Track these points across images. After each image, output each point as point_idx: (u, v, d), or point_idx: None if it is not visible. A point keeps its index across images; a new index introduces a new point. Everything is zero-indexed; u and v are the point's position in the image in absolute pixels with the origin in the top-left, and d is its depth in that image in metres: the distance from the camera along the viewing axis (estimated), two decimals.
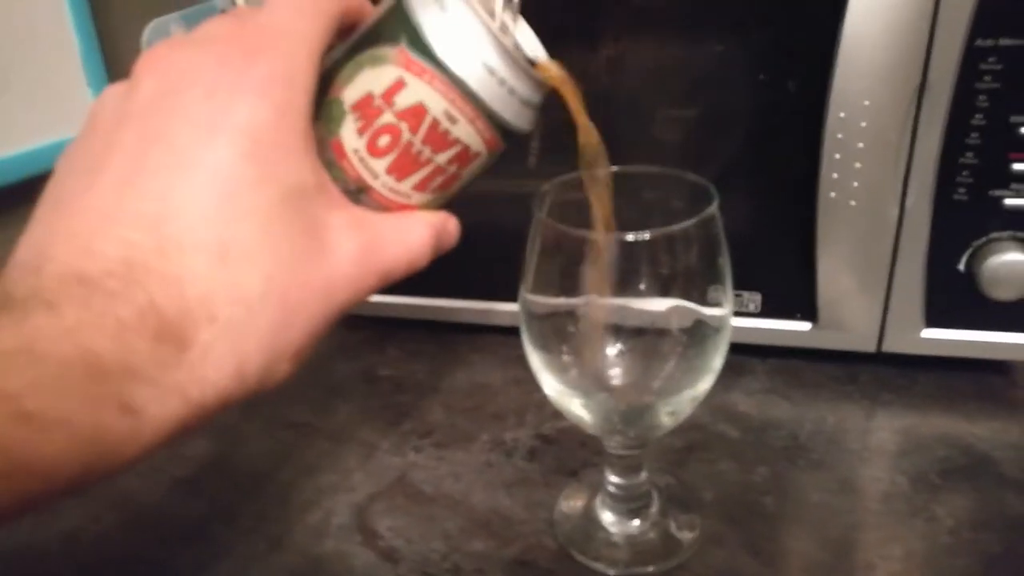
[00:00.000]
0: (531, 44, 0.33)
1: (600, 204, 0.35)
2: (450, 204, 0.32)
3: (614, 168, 0.38)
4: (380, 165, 0.28)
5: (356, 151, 0.28)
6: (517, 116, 0.29)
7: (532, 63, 0.29)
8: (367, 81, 0.28)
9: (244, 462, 0.49)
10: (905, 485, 0.43)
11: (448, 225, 0.32)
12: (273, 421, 0.52)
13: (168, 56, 0.26)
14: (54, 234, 0.23)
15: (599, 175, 0.34)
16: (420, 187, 0.30)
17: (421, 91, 0.27)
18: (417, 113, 0.28)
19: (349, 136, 0.28)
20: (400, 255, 0.29)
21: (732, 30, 0.45)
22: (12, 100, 0.53)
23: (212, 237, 0.24)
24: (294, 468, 0.48)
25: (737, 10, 0.45)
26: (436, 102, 0.28)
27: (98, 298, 0.22)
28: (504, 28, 0.28)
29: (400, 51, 0.27)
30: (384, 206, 0.30)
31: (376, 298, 0.59)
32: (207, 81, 0.25)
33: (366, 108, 0.28)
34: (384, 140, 0.28)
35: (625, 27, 0.47)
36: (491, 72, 0.28)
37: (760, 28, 0.45)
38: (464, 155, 0.29)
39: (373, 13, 0.29)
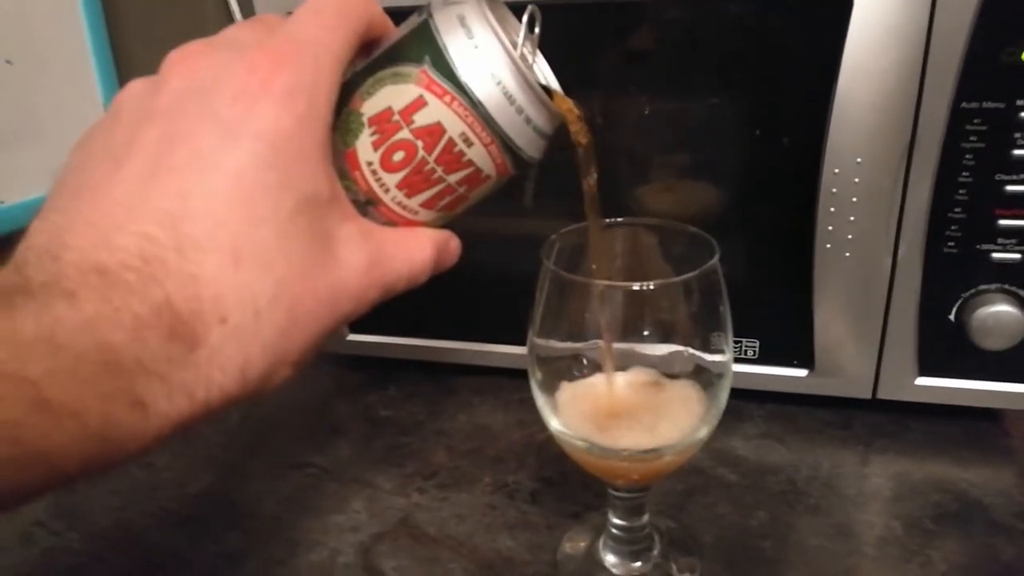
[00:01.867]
0: (547, 76, 0.34)
1: (593, 223, 0.37)
2: (452, 224, 0.33)
3: (619, 219, 0.40)
4: (392, 180, 0.29)
5: (370, 163, 0.29)
6: (530, 144, 0.30)
7: (549, 94, 0.30)
8: (387, 97, 0.29)
9: (249, 501, 0.50)
10: (899, 530, 0.44)
11: (450, 244, 0.32)
12: (277, 461, 0.53)
13: (197, 57, 0.27)
14: (72, 223, 0.23)
15: (592, 183, 0.36)
16: (428, 204, 0.30)
17: (440, 112, 0.28)
18: (434, 132, 0.28)
19: (364, 148, 0.29)
20: (402, 270, 0.30)
21: (728, 86, 0.47)
22: (39, 147, 0.54)
23: (228, 239, 0.24)
24: (298, 508, 0.49)
25: (733, 68, 0.47)
26: (454, 124, 0.28)
27: (116, 291, 0.22)
28: (524, 59, 0.29)
29: (423, 71, 0.28)
30: (390, 220, 0.30)
31: (377, 339, 0.60)
32: (234, 86, 0.25)
33: (384, 123, 0.29)
34: (399, 156, 0.29)
35: (624, 81, 0.49)
36: (510, 100, 0.28)
37: (755, 86, 0.47)
38: (475, 177, 0.30)
39: (398, 31, 0.30)
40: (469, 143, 0.29)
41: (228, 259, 0.24)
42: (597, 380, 0.39)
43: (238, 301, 0.24)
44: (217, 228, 0.24)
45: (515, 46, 0.29)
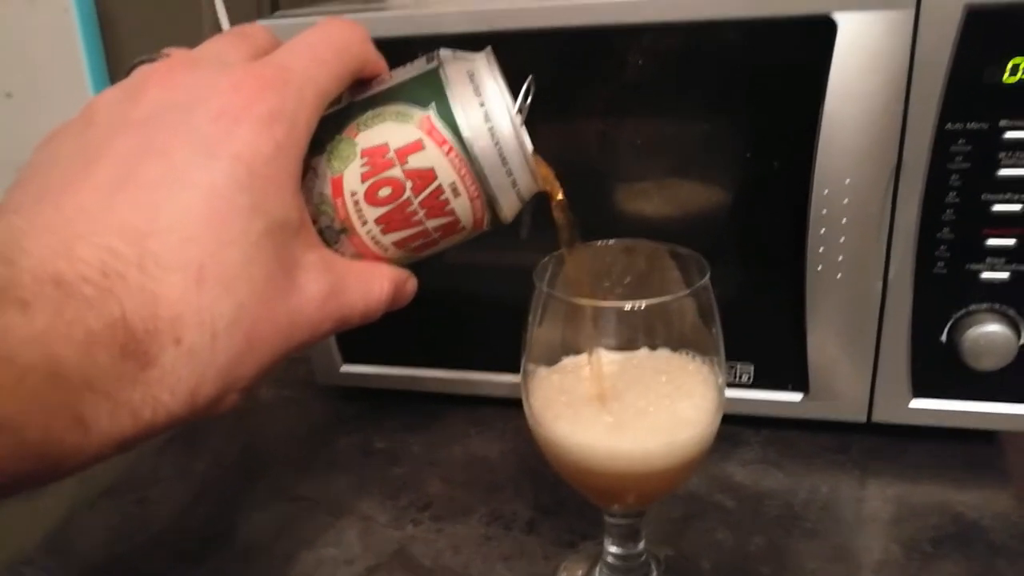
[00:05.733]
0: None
1: (578, 274, 0.37)
2: (413, 266, 0.33)
3: (611, 241, 0.40)
4: (372, 214, 0.30)
5: (354, 193, 0.29)
6: (510, 205, 0.31)
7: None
8: (385, 133, 0.29)
9: (243, 534, 0.49)
10: (898, 553, 0.43)
11: (408, 284, 0.32)
12: (272, 494, 0.53)
13: (180, 71, 0.26)
14: (32, 226, 0.23)
15: (575, 254, 0.37)
16: (400, 244, 0.31)
17: (436, 158, 0.29)
18: (425, 176, 0.29)
19: (352, 178, 0.29)
20: (358, 304, 0.30)
21: (718, 109, 0.48)
22: None
23: (193, 258, 0.23)
24: (293, 540, 0.48)
25: (722, 91, 0.47)
26: (447, 172, 0.29)
27: (71, 304, 0.21)
28: (520, 124, 0.30)
29: (427, 117, 0.29)
30: (359, 252, 0.31)
31: (372, 370, 0.60)
32: (215, 105, 0.25)
33: (377, 157, 0.29)
34: (385, 191, 0.29)
35: (617, 106, 0.50)
36: (503, 161, 0.30)
37: (745, 110, 0.47)
38: (452, 227, 0.31)
39: (404, 71, 0.31)
40: (457, 193, 0.30)
41: (191, 279, 0.23)
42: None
43: (196, 323, 0.23)
44: (184, 245, 0.23)
45: (515, 111, 0.30)
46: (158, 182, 0.24)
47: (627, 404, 0.37)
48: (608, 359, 0.37)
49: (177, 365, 0.23)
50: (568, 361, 0.38)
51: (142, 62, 0.28)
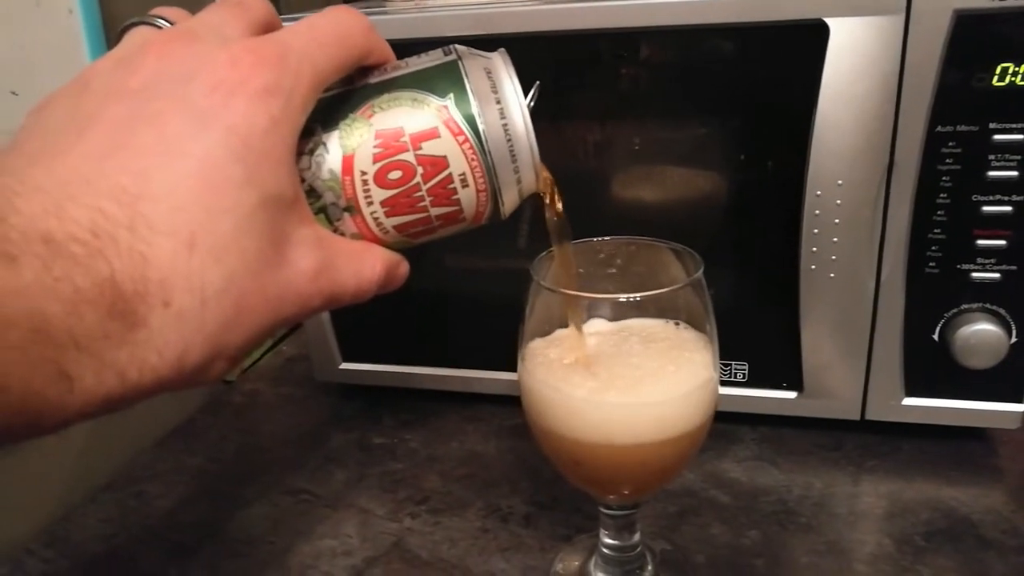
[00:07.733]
0: None
1: (567, 273, 0.38)
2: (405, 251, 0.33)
3: (606, 238, 0.41)
4: (379, 195, 0.30)
5: (363, 173, 0.30)
6: (510, 202, 0.32)
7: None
8: (401, 117, 0.30)
9: (242, 528, 0.50)
10: (891, 547, 0.44)
11: (400, 268, 0.33)
12: (270, 488, 0.53)
13: (179, 43, 0.27)
14: (23, 185, 0.23)
15: (566, 251, 0.38)
16: (401, 229, 0.31)
17: (450, 148, 0.30)
18: (437, 164, 0.30)
19: (363, 158, 0.30)
20: (349, 283, 0.30)
21: (712, 112, 0.49)
22: None
23: (185, 225, 0.23)
24: (292, 533, 0.49)
25: (716, 96, 0.48)
26: (459, 162, 0.30)
27: (60, 262, 0.21)
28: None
29: (444, 107, 0.30)
30: (360, 232, 0.31)
31: (370, 367, 0.61)
32: (212, 78, 0.25)
33: (391, 140, 0.30)
34: (395, 175, 0.30)
35: (613, 110, 0.50)
36: (513, 159, 0.30)
37: (739, 113, 0.48)
38: (454, 216, 0.31)
39: (420, 60, 0.32)
40: (465, 184, 0.30)
41: (182, 244, 0.23)
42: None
43: (186, 287, 0.24)
44: (175, 212, 0.24)
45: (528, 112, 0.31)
46: (151, 149, 0.24)
47: (616, 373, 0.37)
48: (600, 328, 0.38)
49: (165, 328, 0.23)
50: (561, 332, 0.38)
51: (133, 24, 0.28)
